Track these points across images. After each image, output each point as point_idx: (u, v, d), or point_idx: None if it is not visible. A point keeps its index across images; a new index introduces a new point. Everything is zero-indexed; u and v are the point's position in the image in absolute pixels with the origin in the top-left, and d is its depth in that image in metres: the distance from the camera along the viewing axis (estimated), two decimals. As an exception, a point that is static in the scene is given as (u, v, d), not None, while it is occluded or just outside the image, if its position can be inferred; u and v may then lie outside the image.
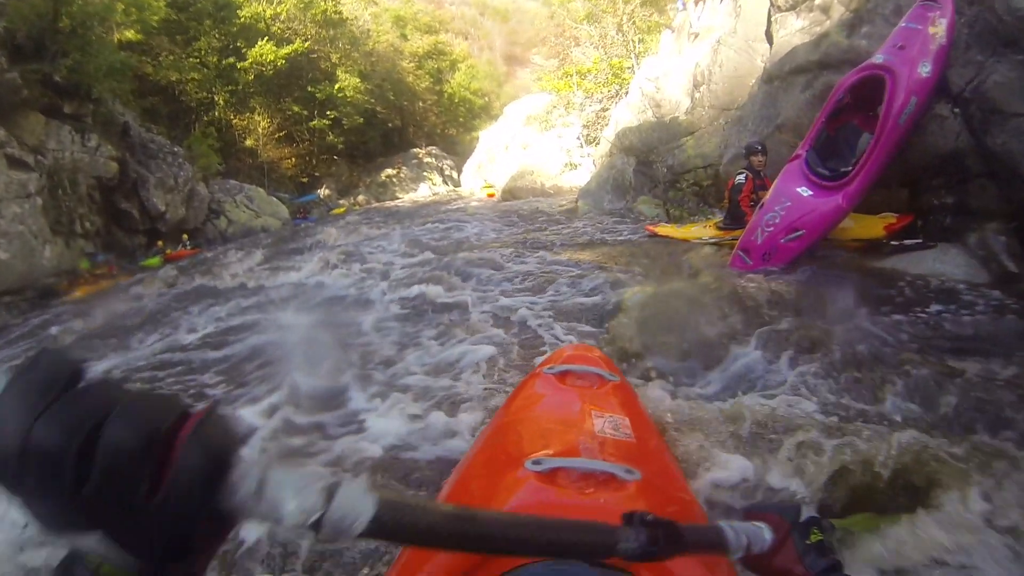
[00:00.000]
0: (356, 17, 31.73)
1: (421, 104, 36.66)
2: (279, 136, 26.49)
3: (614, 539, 0.43)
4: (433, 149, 35.25)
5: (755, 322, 3.25)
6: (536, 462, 0.94)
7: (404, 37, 37.05)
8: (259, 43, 24.18)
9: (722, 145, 7.77)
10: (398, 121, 34.71)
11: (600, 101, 18.13)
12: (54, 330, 6.85)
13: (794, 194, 4.32)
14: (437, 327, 4.61)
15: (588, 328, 3.81)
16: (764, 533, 0.57)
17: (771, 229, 4.27)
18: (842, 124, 4.80)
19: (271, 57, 24.24)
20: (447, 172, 33.84)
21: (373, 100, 30.02)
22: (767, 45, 8.10)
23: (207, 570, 0.35)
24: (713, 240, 5.67)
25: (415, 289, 5.74)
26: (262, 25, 25.14)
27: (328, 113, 27.24)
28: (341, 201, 27.61)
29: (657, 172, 9.23)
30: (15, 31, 11.12)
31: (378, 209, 22.95)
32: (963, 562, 1.53)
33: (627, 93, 12.72)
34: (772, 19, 7.75)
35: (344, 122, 27.76)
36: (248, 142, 25.31)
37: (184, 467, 0.29)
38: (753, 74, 8.21)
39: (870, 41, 5.39)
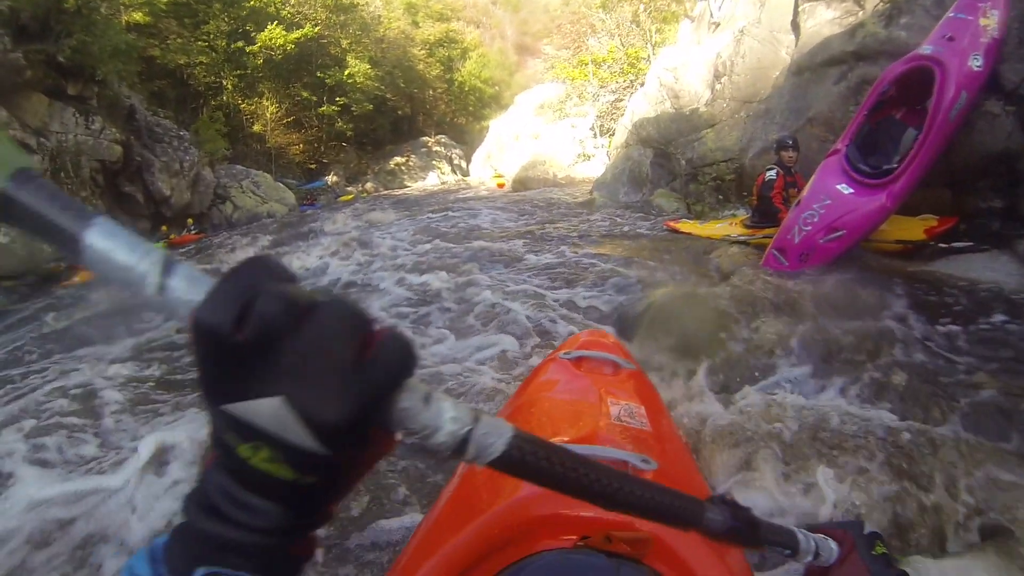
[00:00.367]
0: (367, 3, 31.32)
1: (431, 92, 36.28)
2: (287, 122, 26.23)
3: (703, 510, 0.44)
4: (442, 138, 34.94)
5: (798, 328, 3.02)
6: None
7: (415, 24, 36.63)
8: (269, 27, 23.84)
9: (744, 138, 7.51)
10: (408, 109, 34.35)
11: (615, 91, 17.87)
12: (51, 316, 6.69)
13: (834, 191, 4.07)
14: (448, 315, 4.54)
15: (613, 330, 3.60)
16: (831, 544, 0.57)
17: (809, 228, 4.02)
18: (883, 118, 4.54)
19: (280, 41, 23.91)
20: (456, 161, 33.59)
21: (383, 87, 29.62)
22: (792, 36, 7.86)
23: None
24: (741, 238, 5.39)
25: (426, 277, 5.64)
26: (272, 9, 24.76)
27: (337, 99, 26.87)
28: (349, 188, 27.32)
29: (676, 165, 8.96)
30: (19, 10, 10.88)
31: (387, 197, 22.75)
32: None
33: (643, 83, 12.48)
34: (799, 9, 7.50)
35: (353, 108, 27.40)
36: (256, 127, 25.07)
37: (387, 346, 0.31)
38: (777, 66, 7.97)
39: (910, 32, 5.19)
